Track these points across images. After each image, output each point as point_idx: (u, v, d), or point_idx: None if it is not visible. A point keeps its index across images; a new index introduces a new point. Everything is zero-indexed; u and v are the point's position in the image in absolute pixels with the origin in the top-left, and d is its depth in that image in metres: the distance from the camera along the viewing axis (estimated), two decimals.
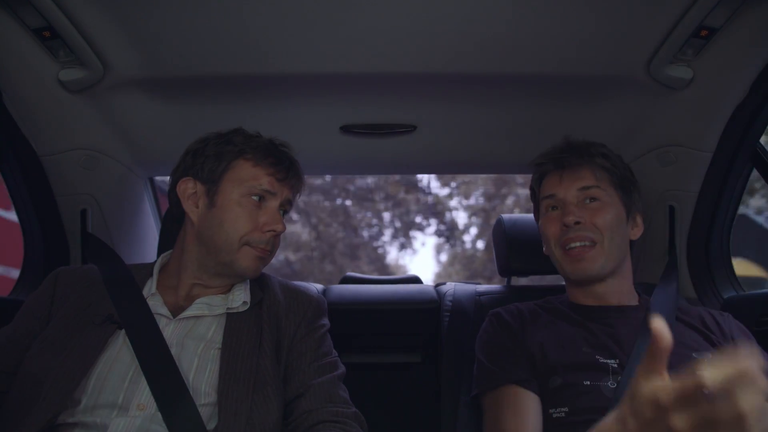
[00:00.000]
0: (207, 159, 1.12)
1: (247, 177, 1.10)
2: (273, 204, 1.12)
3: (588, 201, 1.16)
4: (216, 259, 1.09)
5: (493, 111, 1.51)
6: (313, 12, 1.14)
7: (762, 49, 1.22)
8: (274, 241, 1.12)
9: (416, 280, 1.88)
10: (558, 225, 1.15)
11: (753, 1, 1.12)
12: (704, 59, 1.26)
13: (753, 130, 1.37)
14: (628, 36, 1.21)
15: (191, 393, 0.93)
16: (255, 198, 1.10)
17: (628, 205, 1.19)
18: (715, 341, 1.09)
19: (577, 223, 1.12)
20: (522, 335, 1.13)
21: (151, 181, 1.92)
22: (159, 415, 0.90)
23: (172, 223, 1.19)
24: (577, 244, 1.12)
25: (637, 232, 1.22)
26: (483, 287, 1.55)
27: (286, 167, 1.14)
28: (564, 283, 1.27)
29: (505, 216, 1.59)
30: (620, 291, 1.18)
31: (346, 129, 1.56)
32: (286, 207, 1.16)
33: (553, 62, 1.29)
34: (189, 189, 1.12)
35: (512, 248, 1.51)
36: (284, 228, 1.11)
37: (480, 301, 1.46)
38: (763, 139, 1.41)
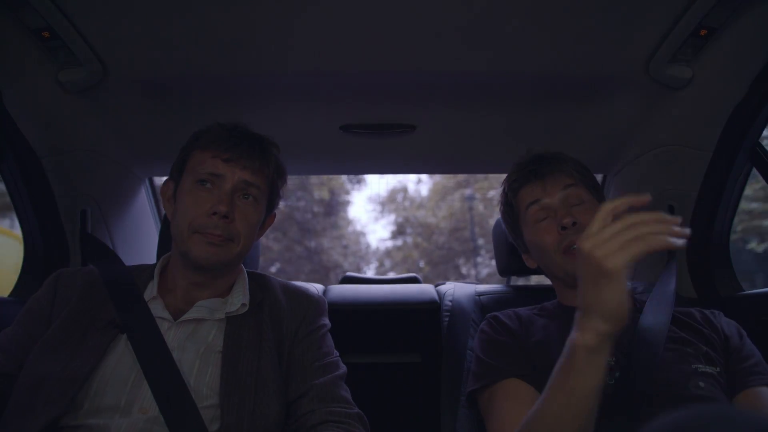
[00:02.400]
0: (177, 158, 1.14)
1: (195, 164, 1.09)
2: (224, 187, 1.06)
3: (574, 205, 1.18)
4: (179, 252, 1.09)
5: (492, 111, 1.51)
6: (312, 12, 1.14)
7: (761, 48, 1.22)
8: (227, 226, 1.05)
9: (415, 280, 1.88)
10: (554, 232, 1.16)
11: (752, 1, 1.12)
12: (703, 59, 1.27)
13: (752, 129, 1.37)
14: (628, 36, 1.22)
15: (193, 395, 0.93)
16: (203, 184, 1.07)
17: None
18: (708, 335, 1.11)
19: (575, 223, 1.13)
20: (520, 334, 1.14)
21: (151, 181, 1.92)
22: (161, 418, 0.90)
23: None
24: None
25: None
26: (483, 287, 1.55)
27: (230, 147, 1.07)
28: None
29: None
30: None
31: (346, 128, 1.56)
32: (248, 191, 1.09)
33: (553, 62, 1.30)
34: (169, 190, 1.14)
35: (512, 248, 1.51)
36: (226, 209, 1.03)
37: (480, 301, 1.46)
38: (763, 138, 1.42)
